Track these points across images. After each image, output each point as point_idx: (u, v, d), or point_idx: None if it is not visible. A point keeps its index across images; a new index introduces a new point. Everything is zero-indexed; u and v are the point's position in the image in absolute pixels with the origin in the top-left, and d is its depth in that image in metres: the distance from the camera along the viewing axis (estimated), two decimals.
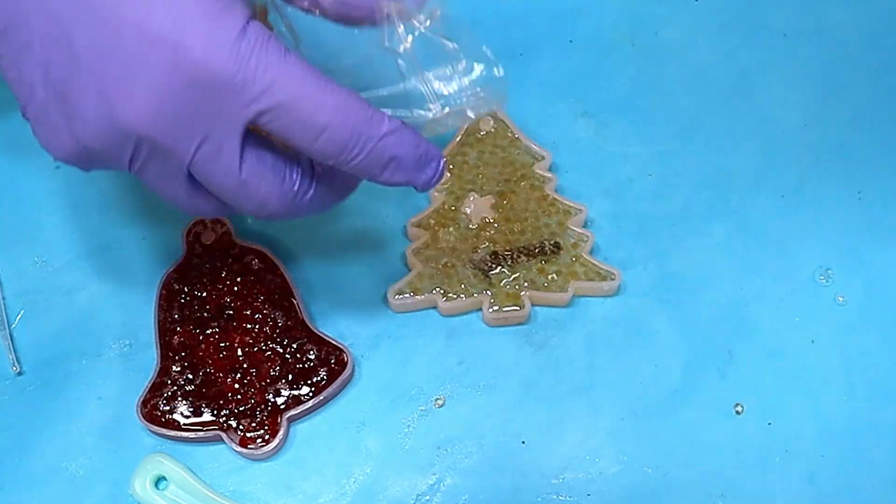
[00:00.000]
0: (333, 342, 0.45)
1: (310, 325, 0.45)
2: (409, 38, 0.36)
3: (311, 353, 0.45)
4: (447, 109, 0.37)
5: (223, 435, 0.43)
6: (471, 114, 0.38)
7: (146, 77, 0.33)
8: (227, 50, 0.33)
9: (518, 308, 0.46)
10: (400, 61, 0.37)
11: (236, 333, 0.45)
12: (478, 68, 0.37)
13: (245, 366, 0.44)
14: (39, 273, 0.48)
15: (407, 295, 0.46)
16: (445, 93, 0.37)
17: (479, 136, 0.50)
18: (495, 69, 0.37)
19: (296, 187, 0.37)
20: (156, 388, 0.44)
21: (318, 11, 0.37)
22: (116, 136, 0.34)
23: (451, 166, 0.49)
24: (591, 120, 0.52)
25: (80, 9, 0.33)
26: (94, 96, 0.34)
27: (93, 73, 0.34)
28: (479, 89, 0.37)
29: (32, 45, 0.34)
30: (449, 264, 0.47)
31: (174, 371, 0.44)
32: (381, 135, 0.35)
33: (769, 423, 0.45)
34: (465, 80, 0.37)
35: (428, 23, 0.37)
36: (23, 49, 0.34)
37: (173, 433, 0.43)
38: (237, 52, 0.33)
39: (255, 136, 0.36)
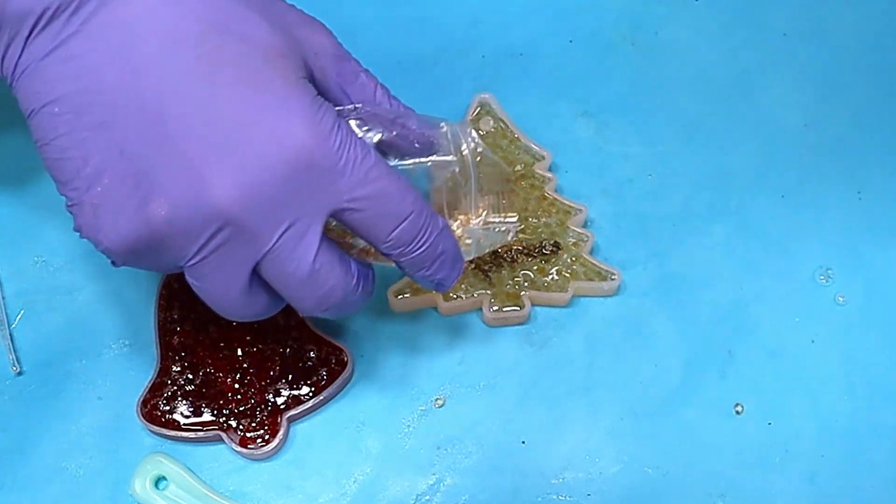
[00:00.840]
0: (333, 342, 0.45)
1: (310, 325, 0.45)
2: (472, 142, 0.40)
3: (311, 353, 0.45)
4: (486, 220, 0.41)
5: (223, 435, 0.43)
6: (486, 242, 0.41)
7: (245, 158, 0.33)
8: (327, 137, 0.34)
9: (518, 308, 0.46)
10: (456, 168, 0.40)
11: (236, 333, 0.45)
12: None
13: (245, 366, 0.44)
14: (39, 273, 0.48)
15: (407, 295, 0.46)
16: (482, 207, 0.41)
17: (480, 135, 0.50)
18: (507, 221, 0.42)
19: (354, 280, 0.37)
20: (156, 388, 0.44)
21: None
22: (201, 218, 0.34)
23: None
24: (591, 120, 0.52)
25: (176, 89, 0.33)
26: (184, 176, 0.33)
27: (185, 153, 0.33)
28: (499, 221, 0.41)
29: (111, 125, 0.33)
30: None
31: (174, 371, 0.44)
32: (440, 229, 0.38)
33: (769, 423, 0.45)
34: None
35: (479, 150, 0.41)
36: (96, 129, 0.33)
37: (173, 433, 0.43)
38: (336, 140, 0.34)
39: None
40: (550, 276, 0.46)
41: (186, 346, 0.45)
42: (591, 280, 0.47)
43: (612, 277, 0.47)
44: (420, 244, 0.37)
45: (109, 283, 0.48)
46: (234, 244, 0.34)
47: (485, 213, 0.41)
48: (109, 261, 0.36)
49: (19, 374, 0.46)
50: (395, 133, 0.38)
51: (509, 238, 0.42)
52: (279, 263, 0.35)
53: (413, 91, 0.52)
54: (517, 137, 0.50)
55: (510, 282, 0.46)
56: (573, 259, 0.47)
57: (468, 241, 0.41)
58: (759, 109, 0.52)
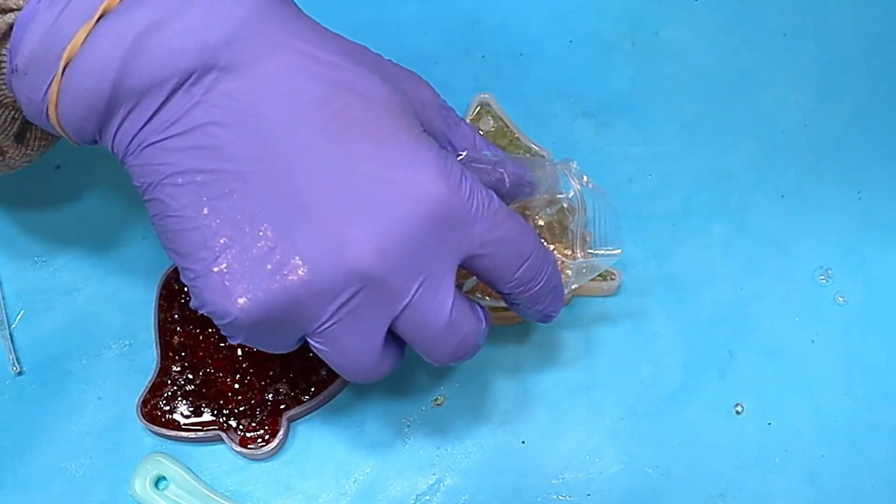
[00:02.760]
0: None
1: None
2: (586, 178, 0.42)
3: (311, 353, 0.45)
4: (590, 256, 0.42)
5: (223, 435, 0.43)
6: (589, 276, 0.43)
7: (382, 214, 0.33)
8: (458, 187, 0.34)
9: None
10: (565, 205, 0.42)
11: None
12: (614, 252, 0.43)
13: (245, 366, 0.44)
14: (39, 273, 0.48)
15: None
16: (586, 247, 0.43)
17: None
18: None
19: (484, 325, 0.38)
20: (156, 388, 0.44)
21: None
22: (341, 278, 0.33)
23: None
24: (591, 120, 0.52)
25: (305, 152, 0.33)
26: (321, 238, 0.33)
27: (321, 214, 0.33)
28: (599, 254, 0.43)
29: (240, 194, 0.33)
30: None
31: (174, 371, 0.44)
32: (553, 264, 0.39)
33: (769, 423, 0.45)
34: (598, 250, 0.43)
35: (590, 184, 0.42)
36: (223, 199, 0.33)
37: (173, 433, 0.43)
38: (466, 189, 0.35)
39: None
40: None
41: (186, 346, 0.45)
42: (591, 280, 0.47)
43: (612, 277, 0.47)
44: (539, 280, 0.38)
45: (109, 283, 0.48)
46: (372, 302, 0.34)
47: (586, 249, 0.42)
48: (228, 337, 0.35)
49: (19, 374, 0.46)
50: (494, 176, 0.40)
51: (607, 266, 0.43)
52: (418, 317, 0.35)
53: None
54: (517, 137, 0.50)
55: None
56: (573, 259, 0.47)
57: (568, 273, 0.42)
58: (758, 109, 0.52)
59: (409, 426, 0.45)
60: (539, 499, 0.43)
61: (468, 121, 0.50)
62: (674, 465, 0.44)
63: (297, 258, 0.33)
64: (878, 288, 0.48)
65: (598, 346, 0.47)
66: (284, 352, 0.37)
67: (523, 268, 0.37)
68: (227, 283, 0.33)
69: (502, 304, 0.45)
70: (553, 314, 0.40)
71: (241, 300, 0.33)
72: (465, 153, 0.39)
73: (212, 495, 0.43)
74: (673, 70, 0.54)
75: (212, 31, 0.33)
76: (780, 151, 0.51)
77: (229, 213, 0.33)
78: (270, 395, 0.44)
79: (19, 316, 0.47)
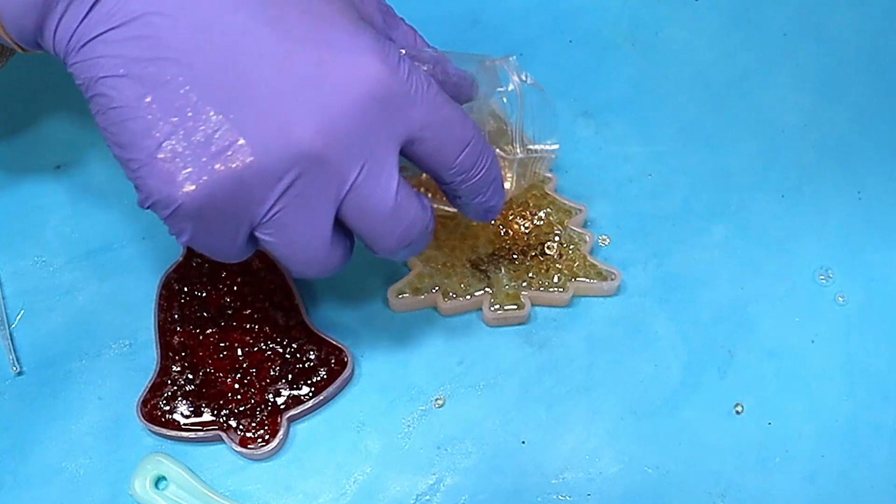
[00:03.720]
0: (333, 342, 0.45)
1: (310, 325, 0.45)
2: (525, 75, 0.42)
3: (311, 353, 0.45)
4: (533, 149, 0.43)
5: (223, 435, 0.43)
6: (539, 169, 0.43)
7: (323, 95, 0.34)
8: (396, 68, 0.35)
9: (518, 308, 0.46)
10: (504, 99, 0.42)
11: (236, 333, 0.45)
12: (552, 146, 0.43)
13: (245, 366, 0.44)
14: (39, 273, 0.48)
15: (407, 295, 0.46)
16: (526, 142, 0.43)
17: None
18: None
19: (430, 214, 0.38)
20: (156, 388, 0.44)
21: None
22: (286, 158, 0.34)
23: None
24: (591, 120, 0.52)
25: (245, 38, 0.33)
26: (264, 121, 0.33)
27: (263, 98, 0.33)
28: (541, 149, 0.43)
29: (181, 83, 0.33)
30: (449, 264, 0.47)
31: (174, 371, 0.44)
32: (493, 154, 0.39)
33: (769, 423, 0.45)
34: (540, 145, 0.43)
35: (528, 79, 0.42)
36: (164, 87, 0.33)
37: (173, 433, 0.43)
38: (404, 71, 0.35)
39: None
40: (550, 276, 0.46)
41: (186, 346, 0.45)
42: (591, 280, 0.47)
43: (612, 277, 0.47)
44: (480, 168, 0.38)
45: (109, 283, 0.48)
46: (317, 184, 0.34)
47: (524, 145, 0.42)
48: (174, 235, 0.36)
49: (19, 374, 0.46)
50: (435, 73, 0.40)
51: (545, 170, 0.43)
52: (364, 198, 0.35)
53: None
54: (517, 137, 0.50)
55: (510, 282, 0.46)
56: (573, 259, 0.47)
57: (508, 174, 0.42)
58: (758, 109, 0.52)
59: (409, 426, 0.45)
60: (539, 499, 0.43)
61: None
62: (673, 465, 0.44)
63: (241, 140, 0.33)
64: (878, 288, 0.48)
65: (598, 346, 0.47)
66: (235, 257, 0.37)
67: (464, 153, 0.37)
68: (171, 168, 0.33)
69: (511, 304, 0.46)
70: (495, 209, 0.41)
71: (186, 185, 0.33)
72: (404, 51, 0.39)
73: (212, 495, 0.43)
74: (673, 70, 0.54)
75: None
76: (780, 151, 0.51)
77: (171, 100, 0.33)
78: (270, 395, 0.44)
79: (19, 316, 0.47)
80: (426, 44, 0.43)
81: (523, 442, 0.45)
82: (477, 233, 0.47)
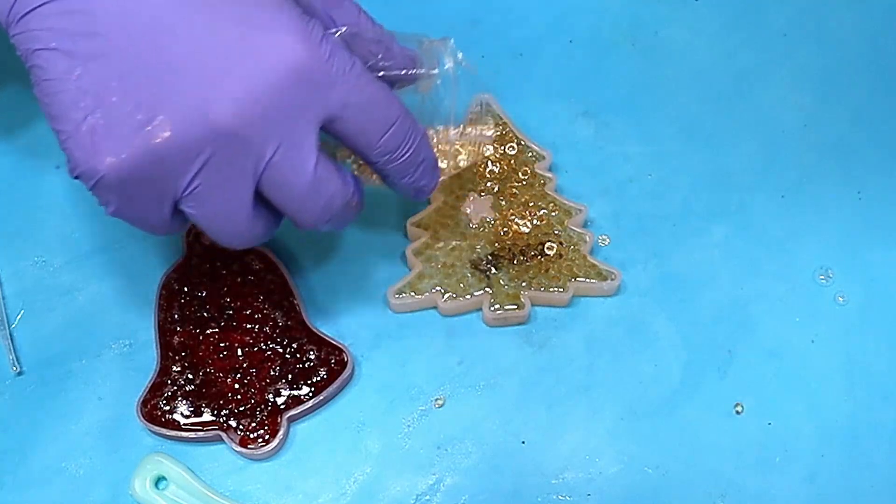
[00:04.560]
0: (333, 342, 0.45)
1: (310, 325, 0.45)
2: (461, 57, 0.42)
3: (311, 353, 0.45)
4: (465, 131, 0.44)
5: (223, 435, 0.43)
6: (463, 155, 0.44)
7: (242, 72, 0.34)
8: (318, 48, 0.36)
9: (518, 308, 0.46)
10: (439, 81, 0.42)
11: (236, 333, 0.45)
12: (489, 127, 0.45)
13: (245, 366, 0.44)
14: (39, 273, 0.48)
15: (407, 295, 0.46)
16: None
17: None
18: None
19: (352, 189, 0.39)
20: (156, 388, 0.44)
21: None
22: (204, 134, 0.34)
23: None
24: (591, 120, 0.52)
25: (168, 14, 0.34)
26: (184, 96, 0.34)
27: (183, 74, 0.34)
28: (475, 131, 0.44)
29: (107, 56, 0.34)
30: (449, 264, 0.47)
31: (174, 371, 0.44)
32: (422, 135, 0.40)
33: (769, 423, 0.45)
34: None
35: (463, 61, 0.43)
36: (92, 60, 0.34)
37: (173, 433, 0.43)
38: (326, 51, 0.36)
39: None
40: (550, 276, 0.46)
41: (186, 346, 0.45)
42: (591, 280, 0.47)
43: (612, 277, 0.47)
44: (406, 149, 0.39)
45: (109, 283, 0.48)
46: (235, 160, 0.35)
47: (461, 127, 0.43)
48: (103, 206, 0.36)
49: (19, 374, 0.46)
50: (377, 52, 0.40)
51: (481, 154, 0.44)
52: (281, 174, 0.36)
53: None
54: (517, 137, 0.50)
55: (510, 282, 0.46)
56: (573, 259, 0.47)
57: (445, 156, 0.43)
58: (758, 109, 0.52)
59: (409, 426, 0.45)
60: (539, 499, 0.43)
61: (468, 120, 0.50)
62: (673, 465, 0.44)
63: (161, 115, 0.34)
64: (878, 288, 0.48)
65: (598, 346, 0.47)
66: (164, 231, 0.38)
67: (388, 134, 0.38)
68: (94, 140, 0.34)
69: (511, 304, 0.46)
70: (426, 189, 0.42)
71: (108, 158, 0.34)
72: (345, 28, 0.39)
73: (212, 495, 0.43)
74: (673, 70, 0.54)
75: None
76: (780, 151, 0.51)
77: (99, 74, 0.34)
78: (270, 395, 0.44)
79: (19, 316, 0.47)
80: (371, 21, 0.42)
81: (523, 442, 0.45)
82: (477, 233, 0.47)
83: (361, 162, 0.42)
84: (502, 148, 0.49)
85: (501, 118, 0.50)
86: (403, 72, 0.41)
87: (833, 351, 0.46)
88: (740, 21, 0.55)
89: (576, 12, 0.55)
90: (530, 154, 0.49)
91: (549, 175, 0.49)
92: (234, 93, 0.34)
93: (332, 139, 0.39)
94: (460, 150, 0.43)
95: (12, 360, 0.46)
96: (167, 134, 0.34)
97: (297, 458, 0.44)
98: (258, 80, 0.35)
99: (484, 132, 0.44)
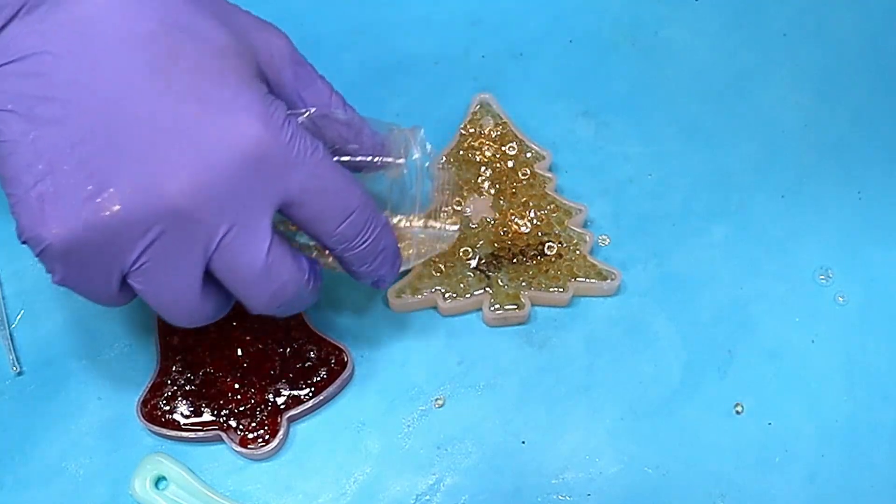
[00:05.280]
0: (333, 342, 0.45)
1: (310, 325, 0.45)
2: (423, 148, 0.42)
3: (311, 353, 0.45)
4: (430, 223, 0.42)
5: (223, 435, 0.43)
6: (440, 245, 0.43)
7: (198, 151, 0.34)
8: (279, 131, 0.35)
9: (518, 308, 0.46)
10: (405, 171, 0.41)
11: (236, 333, 0.45)
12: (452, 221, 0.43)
13: (245, 366, 0.44)
14: (39, 273, 0.47)
15: (407, 295, 0.46)
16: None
17: (480, 133, 0.50)
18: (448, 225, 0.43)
19: (306, 275, 0.38)
20: (156, 388, 0.44)
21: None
22: (154, 211, 0.33)
23: (450, 166, 0.49)
24: (591, 120, 0.52)
25: (129, 85, 0.34)
26: (136, 170, 0.33)
27: (138, 147, 0.33)
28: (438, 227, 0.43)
29: (64, 122, 0.33)
30: (449, 264, 0.47)
31: (174, 371, 0.44)
32: (382, 225, 0.39)
33: (769, 423, 0.45)
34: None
35: (431, 152, 0.42)
36: (48, 125, 0.33)
37: (173, 433, 0.43)
38: (287, 134, 0.35)
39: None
40: (550, 276, 0.46)
41: (186, 346, 0.45)
42: (591, 280, 0.47)
43: (612, 277, 0.47)
44: (365, 238, 0.38)
45: None
46: (184, 240, 0.34)
47: (426, 219, 0.42)
48: (48, 273, 0.35)
49: (19, 374, 0.46)
50: (346, 136, 0.39)
51: (445, 247, 0.43)
52: (232, 257, 0.35)
53: (413, 91, 0.52)
54: (517, 137, 0.50)
55: (510, 282, 0.46)
56: (573, 259, 0.47)
57: (409, 247, 0.42)
58: (758, 109, 0.52)
59: (409, 426, 0.45)
60: (539, 499, 0.43)
61: (468, 121, 0.50)
62: (674, 465, 0.44)
63: (112, 189, 0.33)
64: (878, 288, 0.48)
65: (598, 346, 0.47)
66: (111, 302, 0.37)
67: (347, 222, 0.37)
68: (43, 208, 0.33)
69: (511, 304, 0.45)
70: (384, 279, 0.41)
71: (54, 227, 0.33)
72: (313, 109, 0.39)
73: (212, 495, 0.43)
74: (673, 70, 0.54)
75: None
76: (780, 151, 0.51)
77: (53, 140, 0.33)
78: (270, 395, 0.44)
79: (19, 316, 0.47)
80: (343, 103, 0.42)
81: (523, 442, 0.45)
82: (477, 233, 0.47)
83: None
84: (502, 148, 0.49)
85: (501, 118, 0.50)
86: (371, 158, 0.40)
87: (833, 351, 0.46)
88: (740, 21, 0.55)
89: (576, 12, 0.55)
90: (530, 154, 0.49)
91: (549, 175, 0.49)
92: (188, 172, 0.33)
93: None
94: (423, 241, 0.42)
95: (12, 360, 0.46)
96: (116, 207, 0.33)
97: (297, 458, 0.44)
98: (214, 161, 0.34)
99: (447, 227, 0.42)
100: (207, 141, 0.34)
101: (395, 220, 0.41)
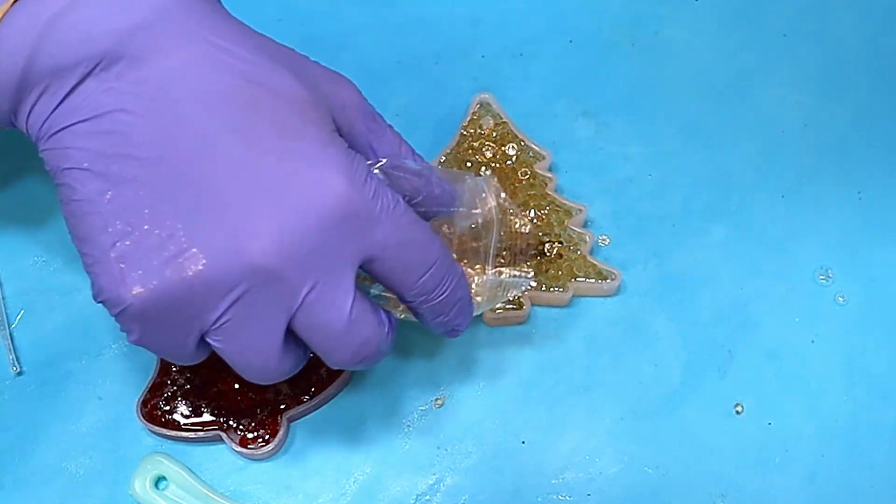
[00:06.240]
0: None
1: None
2: (503, 195, 0.42)
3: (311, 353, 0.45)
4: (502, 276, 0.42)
5: (223, 435, 0.43)
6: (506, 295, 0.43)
7: (283, 208, 0.33)
8: (362, 186, 0.34)
9: (518, 308, 0.46)
10: (479, 221, 0.41)
11: None
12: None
13: None
14: (39, 273, 0.48)
15: None
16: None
17: (480, 133, 0.50)
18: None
19: (386, 329, 0.37)
20: (156, 388, 0.44)
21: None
22: (238, 269, 0.33)
23: (450, 166, 0.49)
24: (591, 120, 0.52)
25: (211, 143, 0.33)
26: (220, 229, 0.33)
27: (222, 206, 0.33)
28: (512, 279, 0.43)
29: (142, 182, 0.33)
30: None
31: (174, 371, 0.44)
32: (459, 276, 0.39)
33: (769, 423, 0.45)
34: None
35: (506, 202, 0.42)
36: (126, 185, 0.33)
37: (173, 433, 0.43)
38: (371, 189, 0.35)
39: None
40: (550, 276, 0.46)
41: None
42: (591, 280, 0.47)
43: (612, 277, 0.47)
44: (443, 290, 0.38)
45: None
46: (268, 298, 0.34)
47: (499, 267, 0.42)
48: (125, 332, 0.35)
49: (19, 374, 0.46)
50: (417, 186, 0.39)
51: (521, 291, 0.43)
52: (316, 315, 0.35)
53: (413, 91, 0.52)
54: (517, 137, 0.50)
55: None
56: (573, 259, 0.47)
57: (478, 294, 0.42)
58: (758, 109, 0.52)
59: (409, 426, 0.45)
60: (539, 499, 0.43)
61: (468, 121, 0.50)
62: (674, 465, 0.44)
63: (195, 248, 0.33)
64: (878, 288, 0.48)
65: (598, 346, 0.47)
66: (187, 361, 0.36)
67: (427, 275, 0.37)
68: (122, 268, 0.33)
69: (511, 304, 0.45)
70: (459, 328, 0.40)
71: (135, 287, 0.33)
72: (385, 160, 0.38)
73: (212, 495, 0.43)
74: (673, 70, 0.54)
75: (125, 17, 0.33)
76: (780, 151, 0.51)
77: (131, 199, 0.33)
78: (270, 395, 0.44)
79: (19, 316, 0.47)
80: (412, 152, 0.41)
81: (523, 442, 0.45)
82: (477, 233, 0.47)
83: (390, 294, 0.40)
84: (502, 148, 0.49)
85: (501, 118, 0.50)
86: (444, 209, 0.40)
87: (833, 351, 0.46)
88: (740, 21, 0.55)
89: (576, 12, 0.55)
90: (530, 154, 0.49)
91: (549, 175, 0.49)
92: (274, 230, 0.33)
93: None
94: (495, 288, 0.42)
95: (12, 360, 0.46)
96: (200, 267, 0.33)
97: (297, 458, 0.44)
98: (300, 219, 0.33)
99: (523, 274, 0.42)
100: (292, 198, 0.33)
101: (467, 270, 0.41)
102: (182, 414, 0.44)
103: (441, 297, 0.38)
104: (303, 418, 0.45)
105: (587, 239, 0.47)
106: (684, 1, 0.56)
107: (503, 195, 0.42)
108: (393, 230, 0.35)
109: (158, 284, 0.33)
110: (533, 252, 0.47)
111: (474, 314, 0.41)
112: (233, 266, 0.33)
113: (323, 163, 0.34)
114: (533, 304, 0.47)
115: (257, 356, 0.35)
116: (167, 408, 0.44)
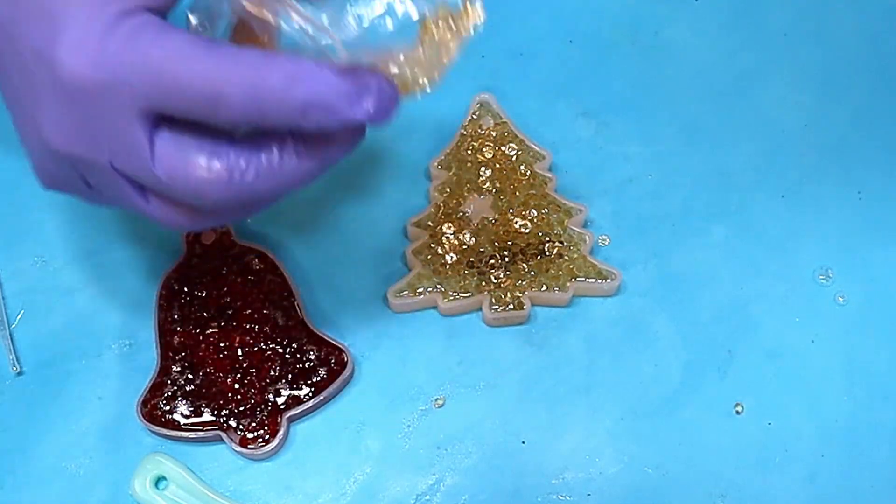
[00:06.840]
0: (333, 342, 0.45)
1: (310, 325, 0.45)
2: None
3: (311, 353, 0.45)
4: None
5: (223, 435, 0.43)
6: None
7: (44, 96, 0.33)
8: (94, 53, 0.32)
9: (518, 308, 0.46)
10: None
11: (236, 333, 0.45)
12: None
13: (245, 366, 0.44)
14: (39, 273, 0.48)
15: (407, 295, 0.46)
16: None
17: (479, 133, 0.50)
18: None
19: (226, 170, 0.33)
20: (156, 388, 0.44)
21: None
22: (52, 156, 0.34)
23: (450, 166, 0.49)
24: (591, 120, 0.52)
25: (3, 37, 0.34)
26: (28, 122, 0.34)
27: (23, 98, 0.34)
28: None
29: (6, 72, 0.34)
30: (449, 264, 0.47)
31: (174, 371, 0.44)
32: (280, 85, 0.32)
33: (769, 424, 0.45)
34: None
35: None
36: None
37: (173, 433, 0.43)
38: (106, 52, 0.31)
39: (177, 122, 0.33)
40: (550, 276, 0.46)
41: (186, 346, 0.45)
42: (591, 280, 0.47)
43: (612, 277, 0.47)
44: (262, 114, 0.32)
45: (109, 283, 0.48)
46: (94, 172, 0.34)
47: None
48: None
49: (19, 374, 0.46)
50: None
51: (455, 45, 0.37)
52: (134, 178, 0.34)
53: None
54: (517, 137, 0.50)
55: (510, 282, 0.46)
56: (573, 259, 0.47)
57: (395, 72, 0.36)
58: (759, 109, 0.52)
59: (409, 426, 0.45)
60: (539, 499, 0.43)
61: (468, 121, 0.50)
62: (674, 465, 0.44)
63: (29, 140, 0.35)
64: (878, 288, 0.48)
65: (598, 346, 0.47)
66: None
67: (221, 112, 0.32)
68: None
69: (511, 304, 0.45)
70: (357, 120, 0.34)
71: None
72: None
73: (212, 495, 0.43)
74: (673, 70, 0.54)
75: None
76: (780, 151, 0.51)
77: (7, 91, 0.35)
78: (270, 395, 0.44)
79: (19, 316, 0.47)
80: None
81: (523, 442, 0.45)
82: (477, 233, 0.47)
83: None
84: (502, 148, 0.49)
85: (501, 118, 0.50)
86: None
87: (833, 351, 0.46)
88: (740, 21, 0.55)
89: (576, 12, 0.55)
90: (530, 154, 0.49)
91: (549, 175, 0.49)
92: (47, 116, 0.33)
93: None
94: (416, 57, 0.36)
95: (12, 360, 0.46)
96: (41, 152, 0.35)
97: (297, 458, 0.44)
98: (55, 100, 0.33)
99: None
100: (46, 81, 0.33)
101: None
102: (182, 414, 0.44)
103: (270, 118, 0.32)
104: (303, 418, 0.45)
105: (587, 239, 0.47)
106: (684, 1, 0.56)
107: None
108: (162, 74, 0.31)
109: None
110: (533, 252, 0.47)
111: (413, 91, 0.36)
112: (48, 153, 0.34)
113: (60, 34, 0.32)
114: (533, 304, 0.47)
115: (134, 209, 0.35)
116: (167, 408, 0.44)
